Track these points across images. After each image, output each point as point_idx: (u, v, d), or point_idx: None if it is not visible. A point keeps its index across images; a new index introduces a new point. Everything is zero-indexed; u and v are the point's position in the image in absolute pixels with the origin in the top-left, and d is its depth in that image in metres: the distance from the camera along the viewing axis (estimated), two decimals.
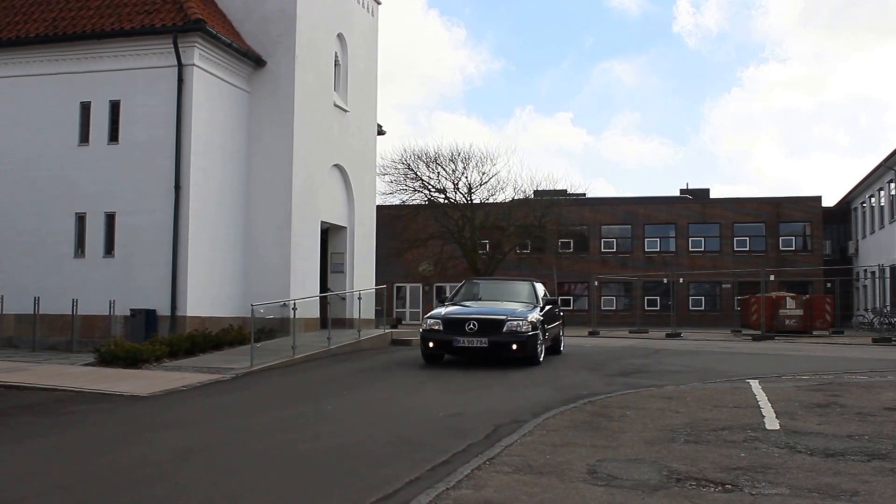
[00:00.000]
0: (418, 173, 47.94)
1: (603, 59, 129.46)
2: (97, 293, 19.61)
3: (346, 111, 24.78)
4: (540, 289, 18.63)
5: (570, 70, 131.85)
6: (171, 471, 7.61)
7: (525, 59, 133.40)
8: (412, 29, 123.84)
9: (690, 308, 52.25)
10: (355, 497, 6.50)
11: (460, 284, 19.50)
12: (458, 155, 47.79)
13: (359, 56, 25.82)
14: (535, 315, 16.44)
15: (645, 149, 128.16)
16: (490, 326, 15.88)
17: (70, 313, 19.57)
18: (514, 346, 15.73)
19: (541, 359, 16.41)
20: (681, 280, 43.51)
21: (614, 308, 53.92)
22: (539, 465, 7.44)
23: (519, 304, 17.29)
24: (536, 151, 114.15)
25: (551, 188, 49.88)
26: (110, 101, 20.35)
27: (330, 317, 20.56)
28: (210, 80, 20.49)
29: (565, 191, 51.72)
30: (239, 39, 21.38)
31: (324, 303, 23.14)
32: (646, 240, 55.31)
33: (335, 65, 24.35)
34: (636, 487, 6.63)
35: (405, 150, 49.65)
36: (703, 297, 53.93)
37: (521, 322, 15.90)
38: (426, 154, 48.26)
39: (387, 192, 47.82)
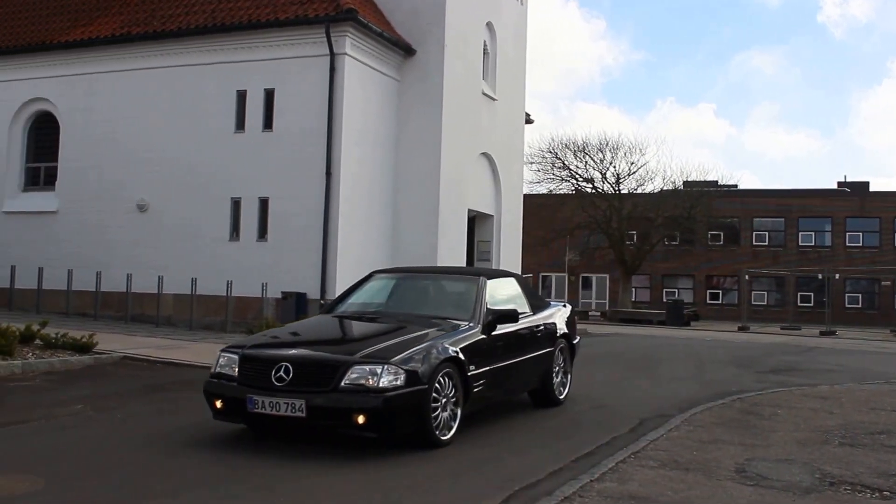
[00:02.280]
0: (566, 162, 47.81)
1: (741, 50, 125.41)
2: (250, 276, 20.20)
3: (494, 100, 24.80)
4: (493, 290, 9.84)
5: (707, 60, 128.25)
6: (322, 447, 7.80)
7: (665, 50, 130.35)
8: (551, 20, 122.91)
9: (846, 305, 50.25)
10: (499, 484, 6.52)
11: (359, 280, 11.50)
12: (606, 144, 47.43)
13: (507, 44, 25.77)
14: (448, 348, 8.13)
15: (790, 141, 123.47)
16: (314, 376, 7.66)
17: (224, 295, 20.23)
18: (361, 418, 7.34)
19: (444, 437, 7.91)
20: (836, 276, 41.80)
21: (765, 303, 52.27)
22: (685, 461, 7.29)
23: (441, 320, 8.92)
24: (677, 142, 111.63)
25: (701, 179, 48.86)
26: (265, 89, 20.85)
27: None
28: (361, 68, 20.84)
29: (716, 182, 50.56)
30: (389, 29, 21.67)
31: None
32: (800, 234, 53.45)
33: (483, 53, 24.39)
34: (787, 489, 6.42)
35: (552, 139, 49.64)
36: (860, 295, 51.80)
37: (381, 369, 7.52)
38: (574, 143, 48.09)
39: (534, 181, 47.91)
